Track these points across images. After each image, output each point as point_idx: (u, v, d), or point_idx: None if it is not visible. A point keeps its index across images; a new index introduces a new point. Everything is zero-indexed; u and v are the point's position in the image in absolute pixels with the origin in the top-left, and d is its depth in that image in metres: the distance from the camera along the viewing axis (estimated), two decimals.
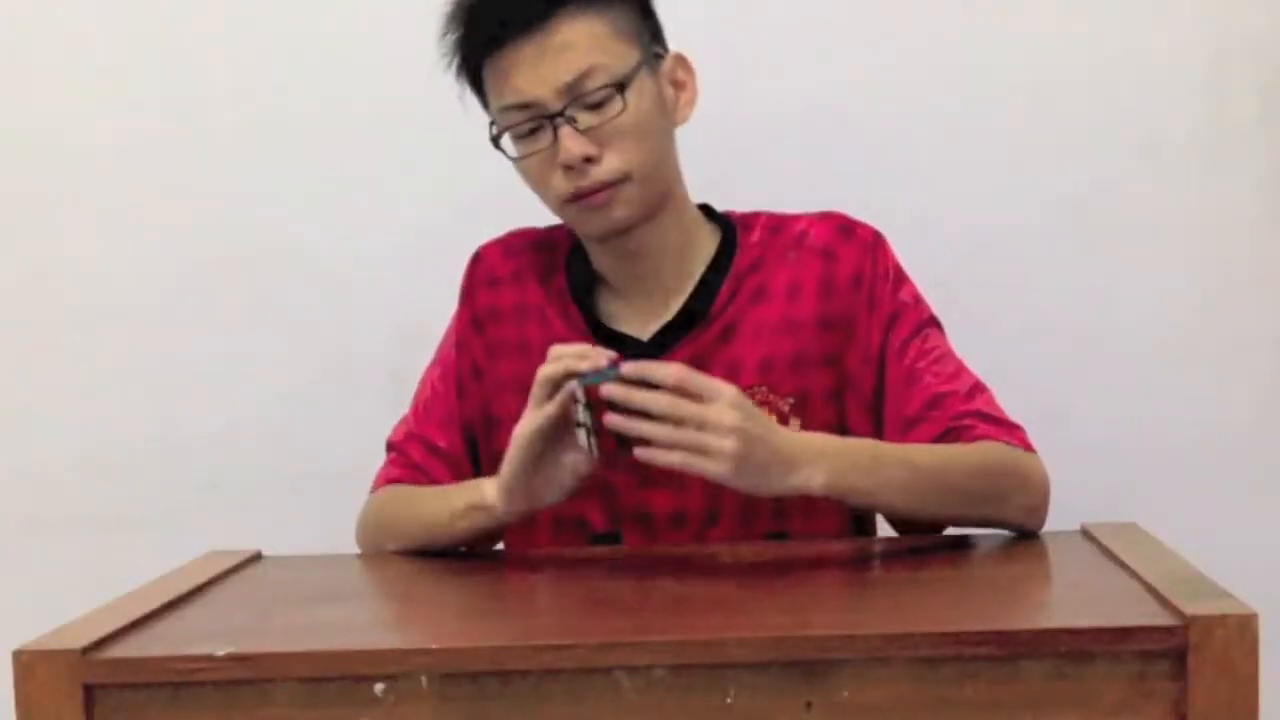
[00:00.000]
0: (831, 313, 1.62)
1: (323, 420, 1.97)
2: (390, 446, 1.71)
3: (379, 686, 1.16)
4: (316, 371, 2.06)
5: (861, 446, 1.53)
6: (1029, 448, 1.58)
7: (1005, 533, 1.57)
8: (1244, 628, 1.13)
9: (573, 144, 1.55)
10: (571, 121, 1.55)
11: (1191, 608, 1.15)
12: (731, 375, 1.60)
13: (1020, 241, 2.03)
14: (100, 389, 2.09)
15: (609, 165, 1.56)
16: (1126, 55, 2.02)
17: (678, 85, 1.64)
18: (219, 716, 1.17)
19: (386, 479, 1.69)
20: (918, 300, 1.66)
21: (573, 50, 1.55)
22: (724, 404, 1.38)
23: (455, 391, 1.69)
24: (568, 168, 1.56)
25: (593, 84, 1.55)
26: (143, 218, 2.07)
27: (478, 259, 1.73)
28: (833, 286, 1.63)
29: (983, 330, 1.95)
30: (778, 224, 1.68)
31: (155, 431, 2.09)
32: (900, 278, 1.66)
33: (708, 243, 1.68)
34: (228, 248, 2.07)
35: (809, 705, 1.15)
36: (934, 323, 1.66)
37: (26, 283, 2.09)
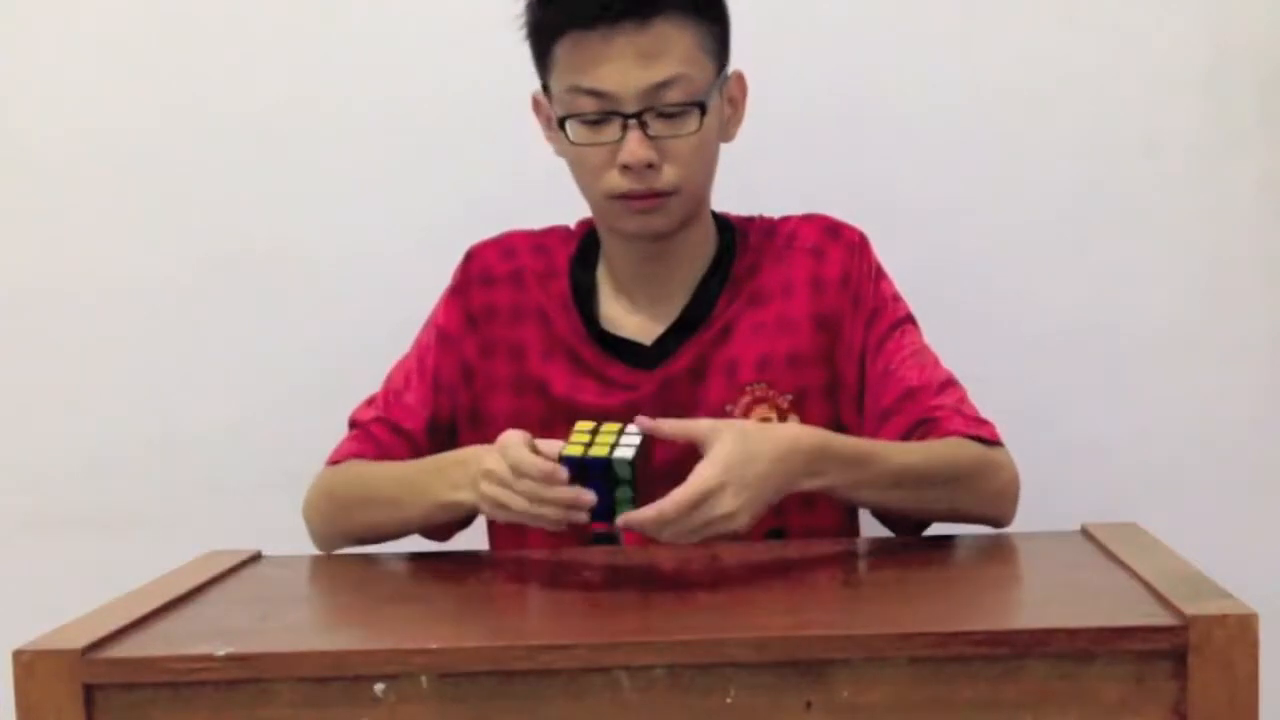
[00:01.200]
0: (823, 311, 1.64)
1: (323, 420, 1.96)
2: (353, 424, 1.71)
3: (379, 686, 1.16)
4: (316, 371, 2.06)
5: (827, 443, 1.49)
6: (997, 441, 1.59)
7: (1004, 532, 1.57)
8: (1244, 628, 1.13)
9: (639, 149, 1.55)
10: (643, 126, 1.55)
11: (1191, 608, 1.15)
12: (731, 374, 1.61)
13: (1020, 241, 2.03)
14: (100, 389, 2.09)
15: (666, 177, 1.57)
16: (1126, 55, 2.02)
17: (732, 103, 1.65)
18: (219, 716, 1.17)
19: (347, 453, 1.68)
20: (896, 297, 1.68)
21: (664, 57, 1.54)
22: (716, 493, 1.37)
23: (431, 385, 1.69)
24: (625, 168, 1.56)
25: (673, 95, 1.55)
26: (143, 218, 2.07)
27: (471, 257, 1.73)
28: (822, 285, 1.64)
29: (983, 330, 1.96)
30: (770, 226, 1.70)
31: (155, 431, 2.09)
32: (880, 275, 1.68)
33: (712, 246, 1.68)
34: (228, 248, 2.06)
35: (809, 705, 1.15)
36: (910, 319, 1.68)
37: (27, 282, 2.09)
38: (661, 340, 1.65)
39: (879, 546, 1.60)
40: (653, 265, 1.66)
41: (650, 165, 1.56)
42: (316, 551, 1.67)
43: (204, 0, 2.06)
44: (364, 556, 1.64)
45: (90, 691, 1.17)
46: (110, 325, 2.08)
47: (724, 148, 1.66)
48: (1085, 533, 1.52)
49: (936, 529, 1.62)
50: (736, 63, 1.65)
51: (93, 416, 2.09)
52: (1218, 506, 2.01)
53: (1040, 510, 1.61)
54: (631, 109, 1.55)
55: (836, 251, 1.66)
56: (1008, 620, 1.24)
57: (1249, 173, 2.02)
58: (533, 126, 1.68)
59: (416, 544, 1.65)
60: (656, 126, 1.56)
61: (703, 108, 1.56)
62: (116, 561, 1.60)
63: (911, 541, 1.59)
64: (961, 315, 1.85)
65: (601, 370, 1.64)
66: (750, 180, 1.78)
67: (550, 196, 1.69)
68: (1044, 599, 1.38)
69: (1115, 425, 2.04)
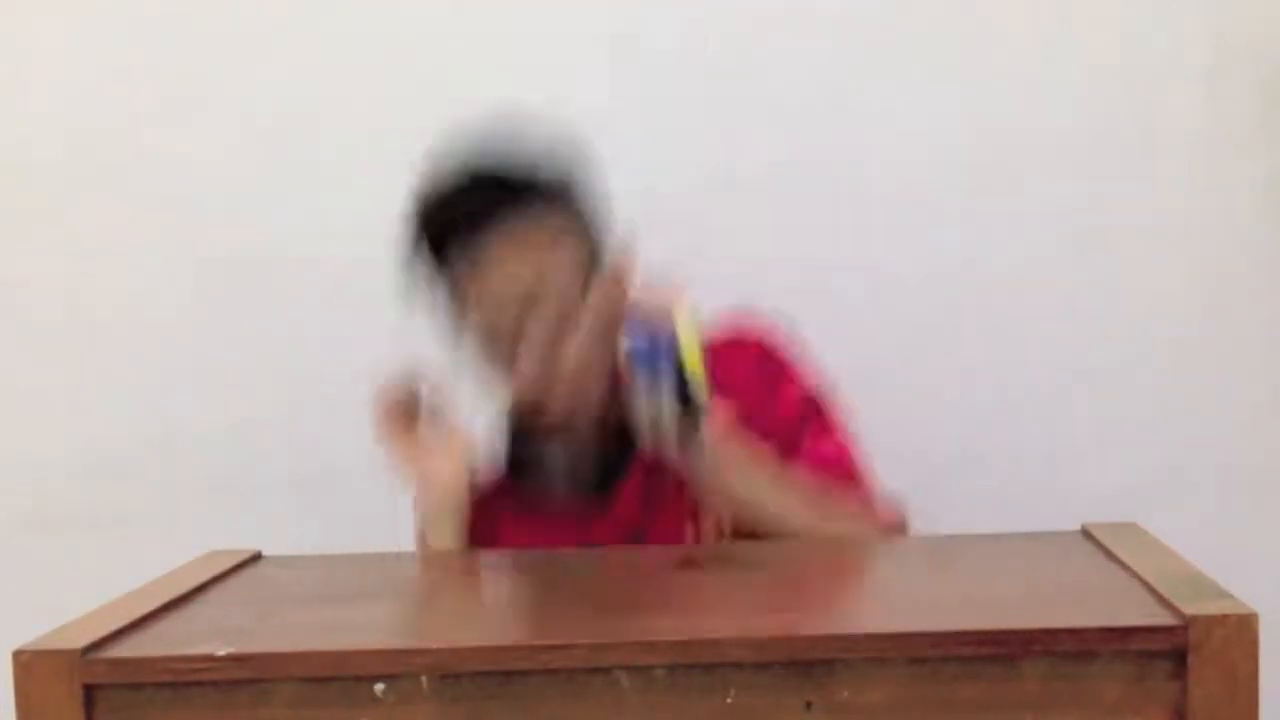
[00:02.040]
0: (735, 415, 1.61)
1: (323, 420, 1.97)
2: None
3: (379, 686, 1.16)
4: (317, 372, 2.06)
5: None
6: (889, 524, 1.61)
7: (1004, 532, 1.57)
8: (1244, 628, 1.13)
9: (529, 380, 1.57)
10: (525, 346, 1.57)
11: (1191, 608, 1.15)
12: (678, 496, 1.61)
13: (1020, 241, 2.03)
14: (100, 389, 2.09)
15: (561, 401, 1.58)
16: (1126, 55, 2.02)
17: (619, 272, 1.60)
18: (219, 716, 1.17)
19: None
20: (804, 399, 1.65)
21: (537, 260, 1.56)
22: None
23: None
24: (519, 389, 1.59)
25: (550, 299, 1.56)
26: (143, 218, 2.08)
27: None
28: (730, 393, 1.59)
29: (982, 330, 1.96)
30: None
31: (155, 431, 2.09)
32: (788, 376, 1.66)
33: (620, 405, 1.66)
34: (228, 248, 2.07)
35: (809, 705, 1.15)
36: (817, 407, 1.65)
37: (27, 282, 2.09)
38: (600, 482, 1.67)
39: (878, 546, 1.60)
40: (569, 447, 1.67)
41: (543, 389, 1.57)
42: (316, 552, 1.67)
43: (204, 0, 2.06)
44: (364, 556, 1.64)
45: (90, 691, 1.16)
46: (110, 326, 2.08)
47: (704, 165, 1.63)
48: (1085, 533, 1.52)
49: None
50: (731, 64, 1.64)
51: (93, 416, 2.09)
52: (1218, 506, 2.01)
53: (1040, 510, 1.61)
54: (508, 341, 1.57)
55: (740, 361, 1.64)
56: (1008, 620, 1.24)
57: (1249, 173, 2.02)
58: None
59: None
60: (536, 338, 1.56)
61: (574, 303, 1.56)
62: (116, 561, 1.60)
63: (911, 541, 1.59)
64: (961, 315, 1.85)
65: (559, 525, 1.66)
66: (750, 167, 1.78)
67: None
68: (1044, 599, 1.37)
69: (1116, 425, 2.04)
